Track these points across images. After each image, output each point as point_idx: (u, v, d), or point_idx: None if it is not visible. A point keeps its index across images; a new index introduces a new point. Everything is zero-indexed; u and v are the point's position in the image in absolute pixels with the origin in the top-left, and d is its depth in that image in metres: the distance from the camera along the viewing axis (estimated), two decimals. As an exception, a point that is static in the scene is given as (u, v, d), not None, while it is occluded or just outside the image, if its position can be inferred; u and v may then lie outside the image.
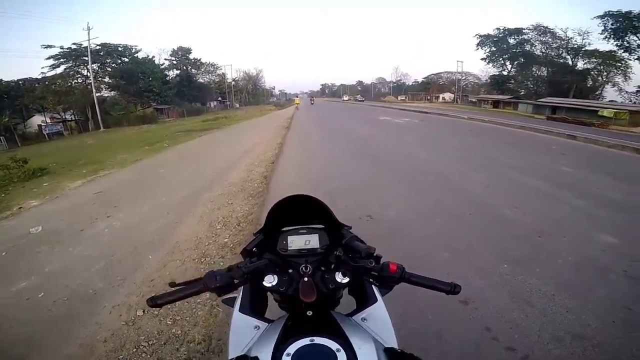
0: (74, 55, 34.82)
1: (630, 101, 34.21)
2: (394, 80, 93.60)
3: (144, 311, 2.47)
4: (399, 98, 72.78)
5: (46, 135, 27.91)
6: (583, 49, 38.10)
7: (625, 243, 3.31)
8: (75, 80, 35.83)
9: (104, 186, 6.62)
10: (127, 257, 3.41)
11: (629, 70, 35.49)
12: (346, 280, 0.82)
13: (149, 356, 2.07)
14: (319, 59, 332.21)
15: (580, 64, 39.25)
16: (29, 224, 4.56)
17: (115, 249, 3.61)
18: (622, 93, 36.79)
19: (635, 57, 33.12)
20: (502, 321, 2.21)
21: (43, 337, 2.30)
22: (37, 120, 32.43)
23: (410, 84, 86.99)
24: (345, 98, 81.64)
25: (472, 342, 2.04)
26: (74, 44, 34.49)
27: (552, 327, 2.15)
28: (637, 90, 35.26)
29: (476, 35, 47.10)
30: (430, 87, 67.75)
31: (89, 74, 34.39)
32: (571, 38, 39.17)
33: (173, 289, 0.76)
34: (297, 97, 42.11)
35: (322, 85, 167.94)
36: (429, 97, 64.19)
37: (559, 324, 2.18)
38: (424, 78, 73.28)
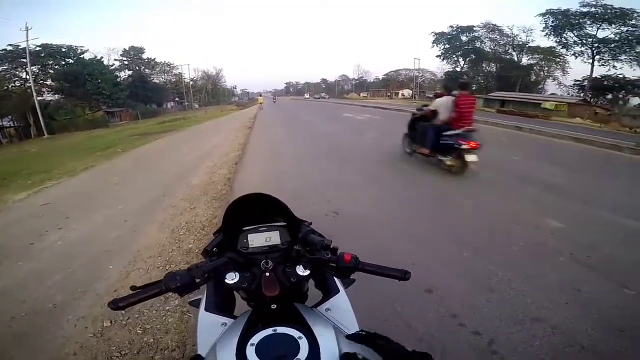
0: (9, 57, 32.33)
1: (568, 94, 37.41)
2: (356, 78, 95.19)
3: (111, 322, 2.39)
4: (361, 95, 74.17)
5: (-19, 145, 25.41)
6: (527, 46, 41.05)
7: (570, 227, 3.63)
8: (13, 84, 33.02)
9: (52, 197, 6.16)
10: (86, 269, 3.24)
11: (566, 65, 38.77)
12: (307, 272, 0.86)
13: (122, 366, 2.01)
14: (283, 57, 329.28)
15: (525, 60, 42.31)
16: (-31, 241, 4.17)
17: (71, 261, 3.40)
18: (561, 86, 40.23)
19: (572, 52, 36.11)
20: (466, 307, 2.32)
21: (8, 355, 2.17)
22: (-31, 128, 29.36)
23: (372, 81, 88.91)
24: (307, 96, 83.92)
25: (440, 329, 2.13)
26: (9, 45, 32.08)
27: (511, 310, 2.27)
28: (573, 84, 38.57)
29: (432, 32, 48.91)
30: (390, 83, 69.64)
31: (28, 77, 31.80)
32: (517, 35, 42.06)
33: (133, 291, 0.77)
34: (260, 96, 38.38)
35: (286, 83, 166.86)
36: (389, 94, 65.91)
37: (518, 307, 2.31)
38: (384, 75, 75.37)
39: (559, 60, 38.90)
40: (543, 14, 36.09)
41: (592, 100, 32.13)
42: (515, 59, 42.65)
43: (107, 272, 3.15)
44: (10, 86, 32.65)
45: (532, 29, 40.20)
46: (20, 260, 3.55)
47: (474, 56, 45.96)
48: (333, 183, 5.57)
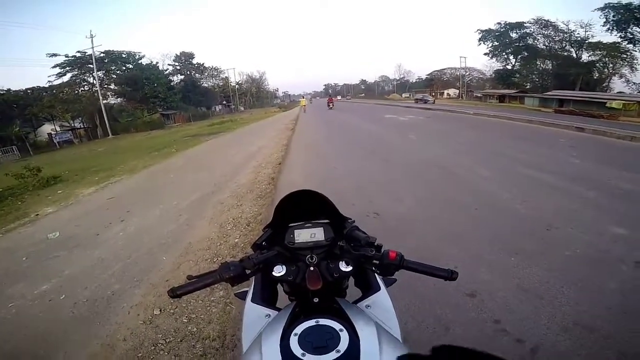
0: (79, 63, 35.37)
1: (639, 92, 33.65)
2: (397, 78, 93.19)
3: (160, 310, 2.56)
4: (403, 95, 72.35)
5: (57, 144, 28.49)
6: (587, 42, 37.57)
7: (637, 234, 3.26)
8: (82, 88, 36.40)
9: (116, 192, 6.77)
10: (142, 259, 3.51)
11: (635, 61, 34.98)
12: (349, 268, 0.87)
13: (166, 353, 2.13)
14: (322, 59, 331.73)
15: (585, 56, 38.68)
16: (47, 230, 4.71)
17: (131, 252, 3.71)
18: (630, 84, 36.27)
19: (640, 48, 32.60)
20: (511, 313, 2.20)
21: (66, 338, 2.38)
22: (47, 128, 32.87)
23: (414, 81, 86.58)
24: (339, 98, 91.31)
25: (481, 335, 2.05)
26: (78, 52, 35.15)
27: (561, 318, 2.13)
28: (645, 81, 34.67)
29: (477, 30, 46.86)
30: (434, 83, 67.30)
31: (94, 82, 34.89)
32: (573, 31, 38.62)
33: (190, 280, 0.82)
34: (302, 97, 40.87)
35: (325, 85, 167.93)
36: (433, 94, 63.70)
37: (569, 315, 2.16)
38: (427, 75, 73.03)
39: (625, 56, 35.23)
40: (602, 9, 32.98)
41: (668, 98, 28.51)
42: (574, 55, 39.26)
43: (161, 262, 3.39)
44: (80, 90, 35.95)
45: (591, 24, 36.73)
46: (88, 249, 3.94)
47: (526, 53, 43.05)
48: (375, 184, 5.51)
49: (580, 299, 2.32)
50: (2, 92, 29.35)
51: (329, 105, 33.41)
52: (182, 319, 2.44)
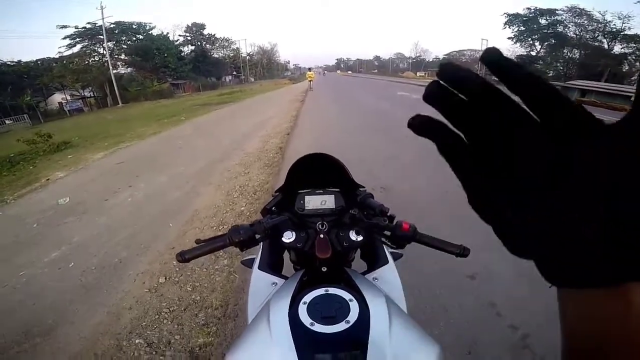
0: (89, 34, 35.18)
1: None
2: (413, 56, 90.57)
3: (165, 278, 2.56)
4: (418, 74, 70.63)
5: (67, 112, 28.57)
6: (622, 33, 35.69)
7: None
8: (92, 59, 36.28)
9: (125, 157, 6.76)
10: (149, 226, 3.50)
11: (671, 55, 33.33)
12: (360, 238, 0.86)
13: (169, 322, 2.13)
14: (335, 33, 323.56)
15: (618, 48, 36.85)
16: (57, 195, 4.71)
17: (138, 218, 3.70)
18: (662, 80, 34.67)
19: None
20: (509, 298, 2.16)
21: (74, 306, 2.38)
22: (57, 98, 32.95)
23: (431, 60, 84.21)
24: (339, 72, 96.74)
25: (475, 317, 2.03)
26: (88, 23, 34.80)
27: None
28: (678, 77, 33.06)
29: (504, 13, 44.79)
30: (451, 63, 65.56)
31: (105, 52, 34.70)
32: (610, 21, 36.56)
33: (199, 244, 0.80)
34: (309, 70, 28.76)
35: (337, 59, 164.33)
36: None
37: None
38: (445, 55, 71.04)
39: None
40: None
41: None
42: (606, 46, 37.41)
43: (167, 229, 3.38)
44: (90, 61, 35.86)
45: (630, 16, 34.75)
46: (97, 215, 3.93)
47: (553, 41, 41.21)
48: (382, 159, 5.36)
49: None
50: (12, 64, 29.38)
51: (323, 74, 50.53)
52: (187, 287, 2.43)
